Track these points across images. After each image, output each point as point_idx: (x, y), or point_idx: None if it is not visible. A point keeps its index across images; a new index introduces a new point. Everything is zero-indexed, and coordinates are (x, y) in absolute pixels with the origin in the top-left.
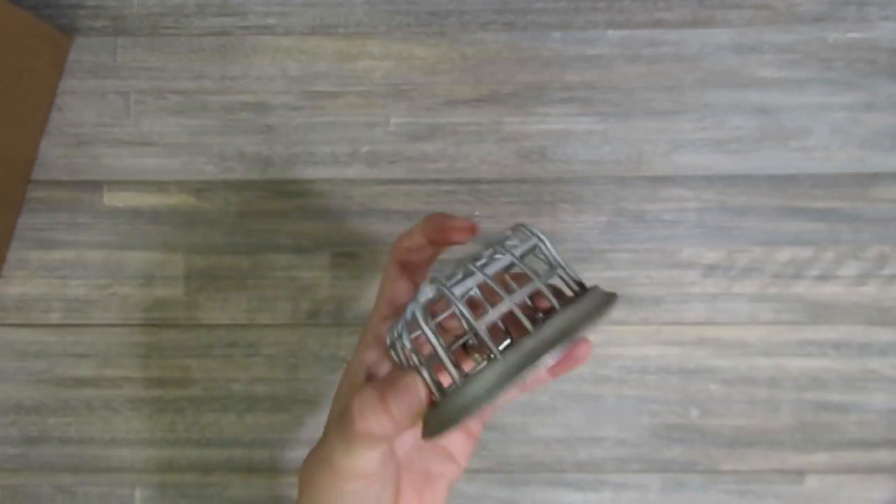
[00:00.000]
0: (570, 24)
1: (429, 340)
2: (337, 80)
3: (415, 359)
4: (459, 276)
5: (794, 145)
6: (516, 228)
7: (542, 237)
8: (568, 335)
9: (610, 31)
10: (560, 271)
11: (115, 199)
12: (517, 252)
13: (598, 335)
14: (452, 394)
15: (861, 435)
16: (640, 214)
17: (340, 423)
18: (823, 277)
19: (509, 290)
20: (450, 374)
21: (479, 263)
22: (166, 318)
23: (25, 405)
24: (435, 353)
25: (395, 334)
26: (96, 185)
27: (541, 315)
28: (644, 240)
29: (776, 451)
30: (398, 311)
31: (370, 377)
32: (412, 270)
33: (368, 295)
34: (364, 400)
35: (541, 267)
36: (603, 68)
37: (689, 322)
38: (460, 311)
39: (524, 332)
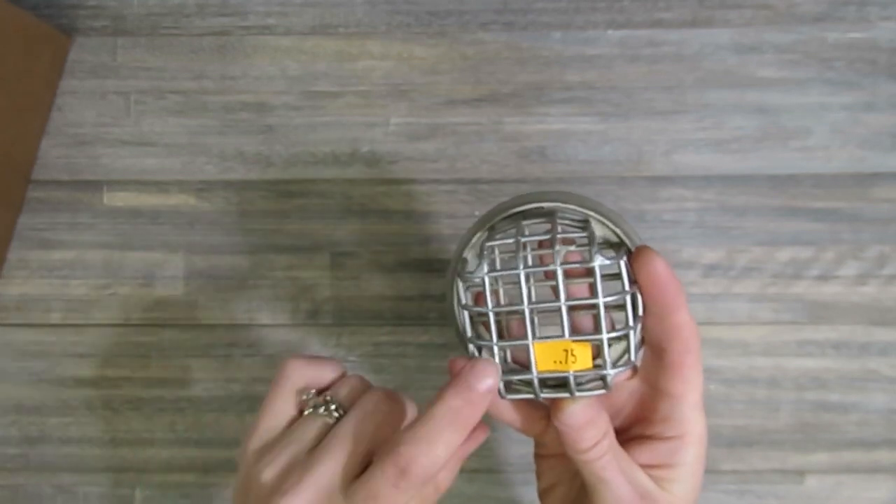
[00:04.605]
0: (570, 24)
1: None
2: (337, 80)
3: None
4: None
5: (794, 145)
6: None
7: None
8: None
9: (610, 31)
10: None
11: (115, 199)
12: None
13: None
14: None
15: (861, 435)
16: (640, 214)
17: None
18: (823, 277)
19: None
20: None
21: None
22: (166, 318)
23: (25, 405)
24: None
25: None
26: (96, 185)
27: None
28: (644, 240)
29: (776, 451)
30: None
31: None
32: None
33: (368, 295)
34: None
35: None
36: (603, 68)
37: None
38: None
39: None
